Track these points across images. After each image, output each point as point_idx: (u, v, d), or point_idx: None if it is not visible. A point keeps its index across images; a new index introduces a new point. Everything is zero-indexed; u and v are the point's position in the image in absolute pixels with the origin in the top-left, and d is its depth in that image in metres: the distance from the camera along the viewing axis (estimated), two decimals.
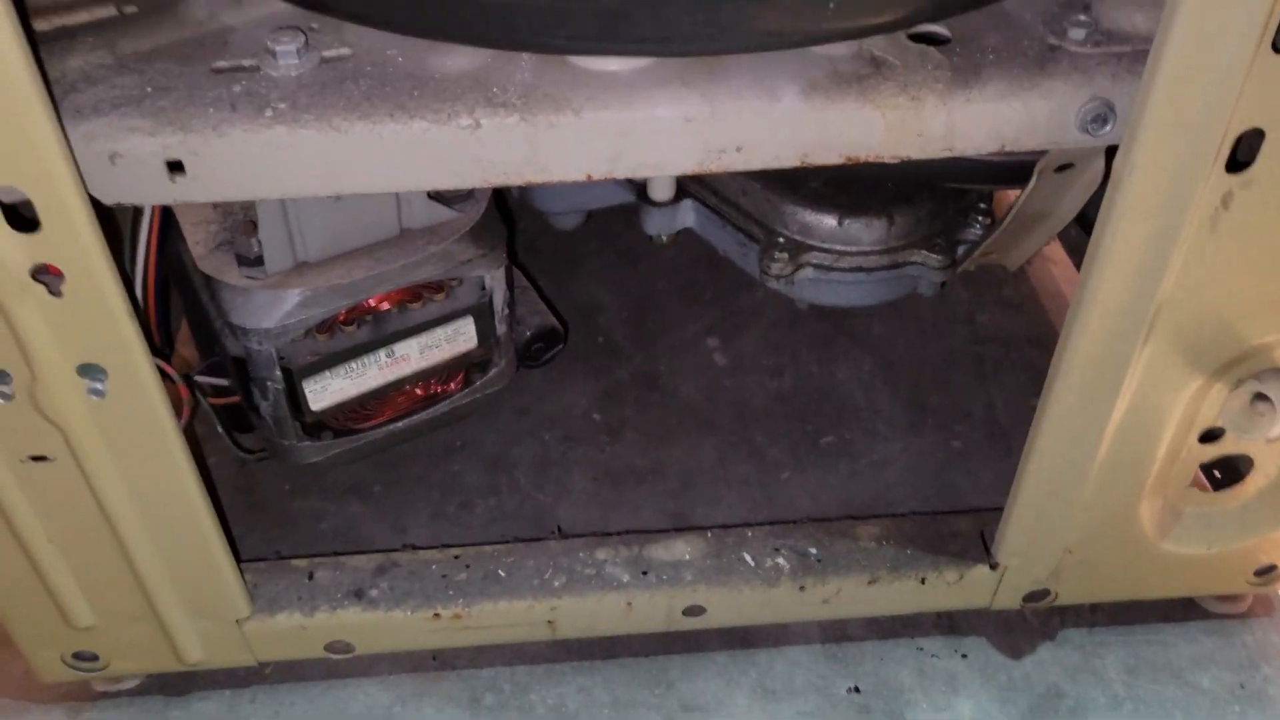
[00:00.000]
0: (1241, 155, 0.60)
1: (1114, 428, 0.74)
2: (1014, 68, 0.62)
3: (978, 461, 1.01)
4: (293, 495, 0.99)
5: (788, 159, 0.63)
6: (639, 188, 0.90)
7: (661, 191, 0.88)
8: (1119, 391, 0.72)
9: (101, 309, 0.61)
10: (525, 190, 0.96)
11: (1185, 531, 0.83)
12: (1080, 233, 1.25)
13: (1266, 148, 0.60)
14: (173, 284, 0.87)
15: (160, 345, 0.74)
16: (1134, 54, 0.62)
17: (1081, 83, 0.62)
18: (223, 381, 0.87)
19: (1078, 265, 1.04)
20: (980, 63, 0.63)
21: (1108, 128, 0.63)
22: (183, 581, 0.76)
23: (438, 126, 0.60)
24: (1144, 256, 0.64)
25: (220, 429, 0.85)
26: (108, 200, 0.61)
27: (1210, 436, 0.77)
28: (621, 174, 0.63)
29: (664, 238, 0.91)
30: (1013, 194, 0.77)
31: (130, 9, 0.68)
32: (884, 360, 1.11)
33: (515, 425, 1.05)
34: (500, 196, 0.88)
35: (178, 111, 0.60)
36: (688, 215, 0.89)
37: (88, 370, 0.64)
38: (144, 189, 0.61)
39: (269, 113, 0.60)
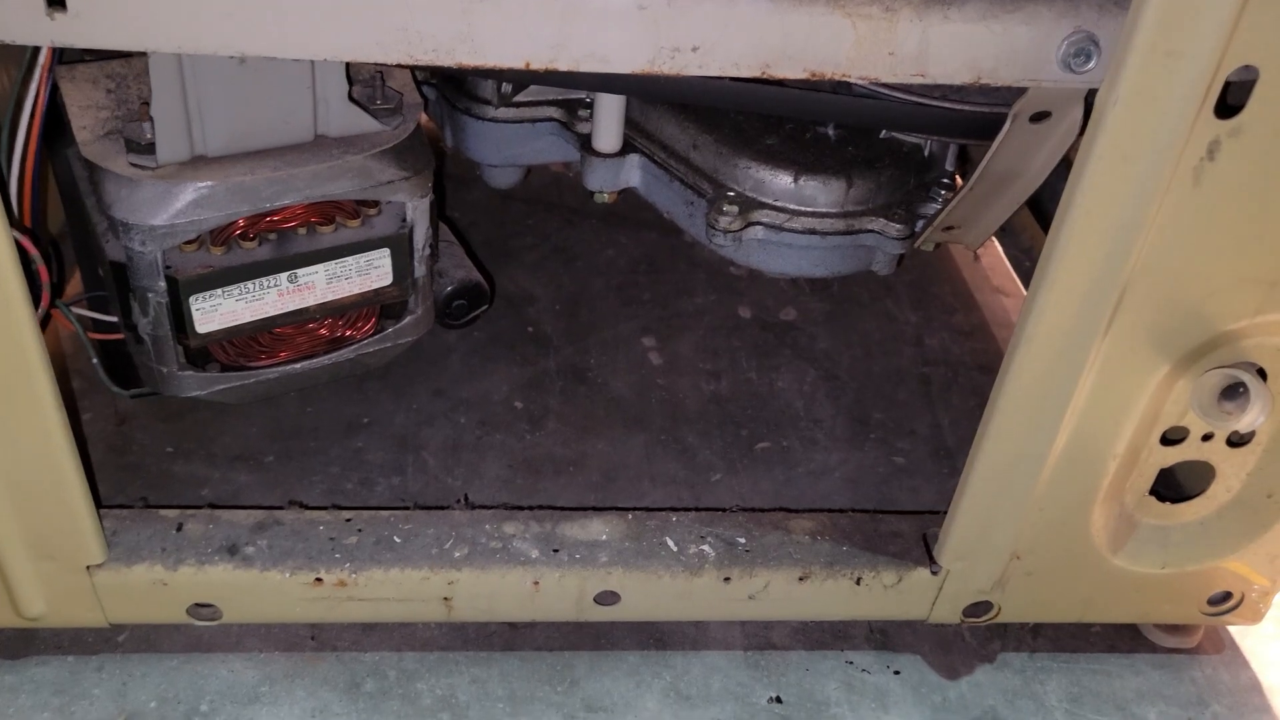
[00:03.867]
0: (1232, 99, 0.56)
1: (1072, 417, 0.69)
2: None
3: (920, 479, 0.95)
4: (174, 458, 0.90)
5: (747, 67, 0.58)
6: (582, 140, 0.84)
7: (607, 142, 0.82)
8: (1081, 373, 0.66)
9: None
10: (459, 137, 0.89)
11: (1140, 546, 0.77)
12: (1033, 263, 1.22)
13: (1260, 91, 0.56)
14: (64, 207, 0.79)
15: (32, 227, 0.65)
16: None
17: (1066, 11, 0.58)
18: (106, 317, 0.78)
19: None
20: None
21: (1091, 64, 0.58)
22: (26, 510, 0.67)
23: None
24: (1121, 208, 0.59)
25: (94, 360, 0.76)
26: None
27: (1172, 440, 0.72)
28: (564, 64, 0.57)
29: (606, 195, 0.85)
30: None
31: None
32: (827, 373, 1.06)
33: (429, 406, 0.97)
34: (434, 145, 0.82)
35: None
36: (633, 172, 0.83)
37: None
38: (17, 24, 0.53)
39: None
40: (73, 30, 0.54)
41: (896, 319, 1.15)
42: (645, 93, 0.77)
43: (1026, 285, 1.21)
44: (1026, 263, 1.22)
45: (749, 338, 1.09)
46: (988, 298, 1.20)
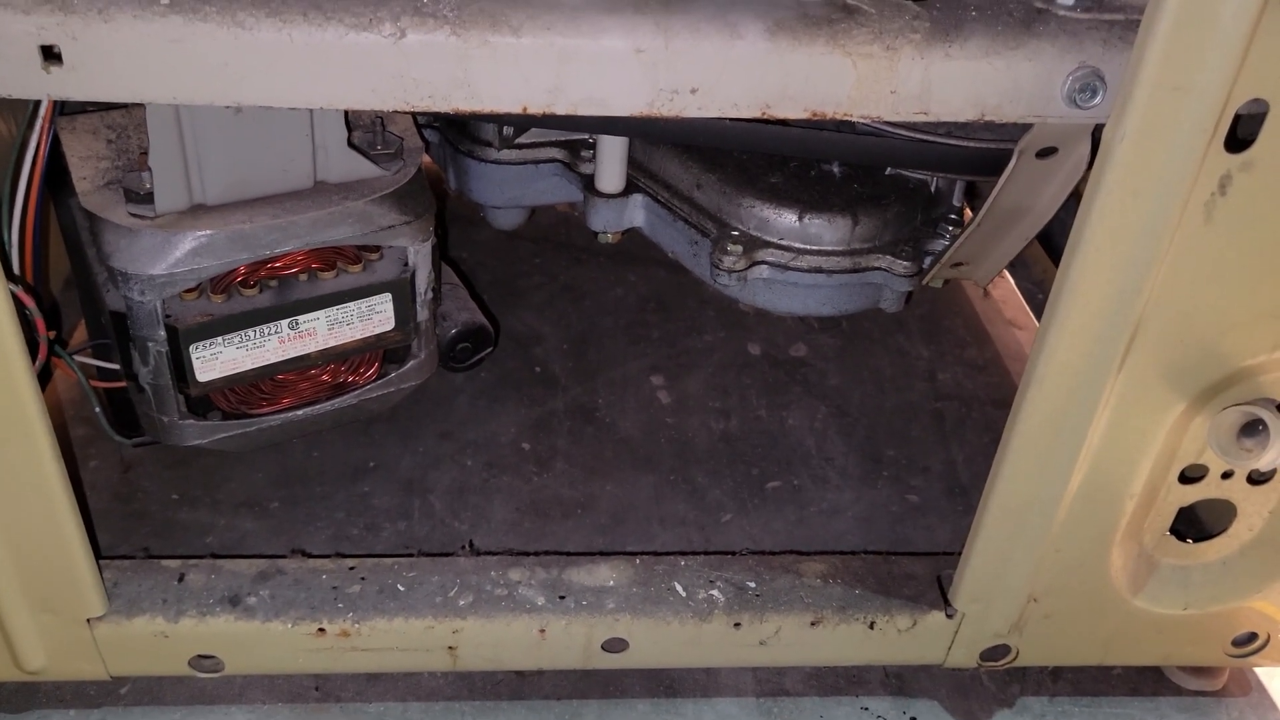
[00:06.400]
0: (1243, 133, 0.55)
1: (1087, 456, 0.67)
2: (998, 25, 0.57)
3: (935, 517, 0.94)
4: (179, 505, 0.89)
5: (747, 107, 0.57)
6: (585, 181, 0.84)
7: (610, 182, 0.81)
8: (1095, 411, 0.65)
9: None
10: (462, 179, 0.89)
11: (1160, 587, 0.75)
12: (1046, 296, 1.21)
13: (1270, 124, 0.54)
14: (68, 255, 0.79)
15: (32, 284, 0.65)
16: (1127, 23, 0.57)
17: (1070, 46, 0.57)
18: (109, 365, 0.78)
19: None
20: (961, 19, 0.57)
21: (1096, 99, 0.57)
22: (25, 563, 0.66)
23: (356, 33, 0.53)
24: (1131, 244, 0.58)
25: (96, 408, 0.75)
26: None
27: (1191, 478, 0.70)
28: (562, 108, 0.56)
29: (609, 235, 0.84)
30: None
31: None
32: (838, 410, 1.05)
33: (435, 449, 0.96)
34: (436, 187, 0.81)
35: None
36: (636, 212, 0.83)
37: None
38: (13, 78, 0.53)
39: (165, 1, 0.53)
40: (69, 83, 0.53)
41: (908, 354, 1.13)
42: (646, 134, 0.76)
43: (1040, 318, 1.20)
44: (1039, 295, 1.21)
45: (759, 375, 1.08)
46: (1000, 331, 1.18)
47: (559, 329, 1.12)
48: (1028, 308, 1.20)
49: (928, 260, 0.77)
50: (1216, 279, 0.60)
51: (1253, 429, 0.65)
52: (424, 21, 0.54)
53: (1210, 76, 0.53)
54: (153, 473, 0.92)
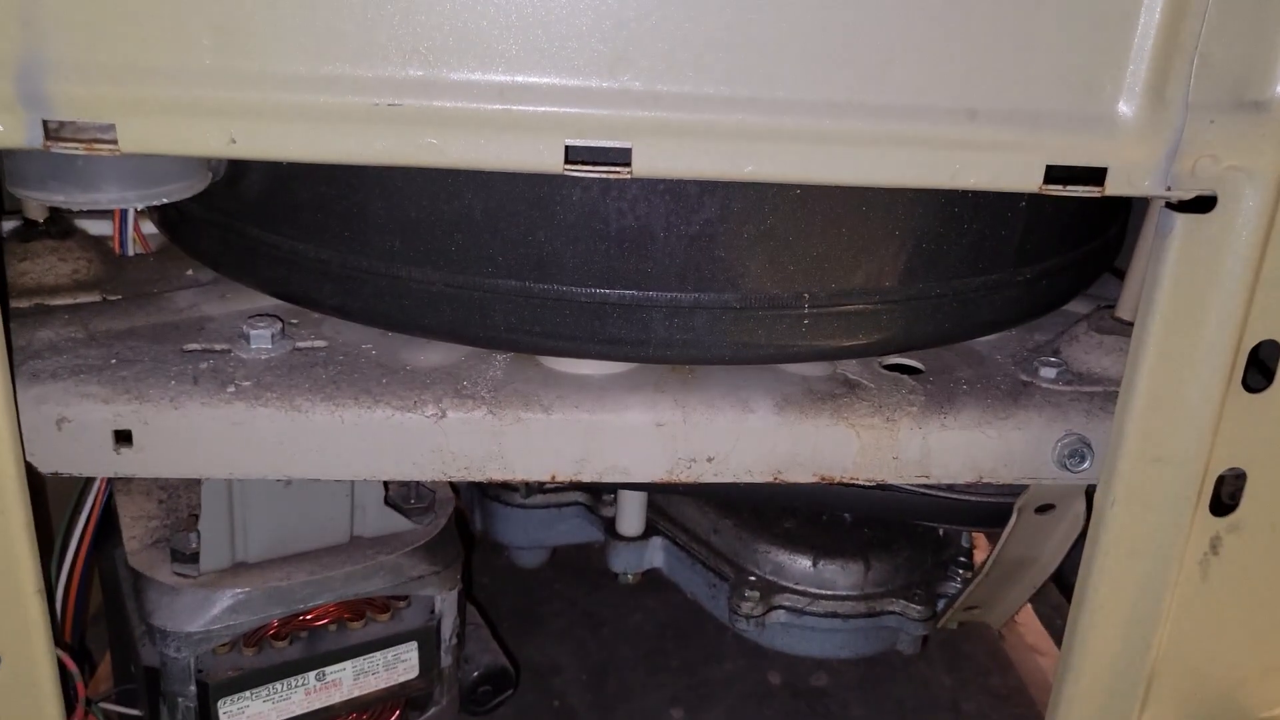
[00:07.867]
0: (1227, 497, 0.59)
1: None
2: (988, 398, 0.62)
3: None
4: None
5: (760, 474, 0.61)
6: (606, 524, 0.87)
7: (630, 526, 0.85)
8: None
9: (10, 583, 0.56)
10: (488, 522, 0.92)
11: None
12: (1064, 621, 1.21)
13: (1251, 490, 0.58)
14: (104, 597, 0.81)
15: (72, 642, 0.67)
16: (1106, 395, 0.63)
17: (1055, 417, 0.62)
18: (133, 712, 0.78)
19: None
20: (954, 392, 0.63)
21: (1086, 464, 0.61)
22: None
23: (402, 414, 0.59)
24: (1134, 601, 0.60)
25: None
26: (46, 469, 0.58)
27: None
28: (588, 477, 0.61)
29: (630, 576, 0.87)
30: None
31: (115, 297, 0.69)
32: None
33: None
34: (462, 525, 0.85)
35: (136, 382, 0.58)
36: (656, 554, 0.86)
37: None
38: (86, 459, 0.58)
39: (231, 389, 0.58)
40: (136, 463, 0.58)
41: (930, 683, 1.12)
42: (666, 489, 0.81)
43: (1060, 644, 1.19)
44: (1058, 620, 1.21)
45: (779, 706, 1.07)
46: (1023, 656, 1.17)
47: (578, 658, 1.12)
48: (1047, 633, 1.19)
49: (941, 603, 0.79)
50: (1221, 634, 0.62)
51: None
52: (463, 402, 0.59)
53: (1187, 449, 0.57)
54: None
